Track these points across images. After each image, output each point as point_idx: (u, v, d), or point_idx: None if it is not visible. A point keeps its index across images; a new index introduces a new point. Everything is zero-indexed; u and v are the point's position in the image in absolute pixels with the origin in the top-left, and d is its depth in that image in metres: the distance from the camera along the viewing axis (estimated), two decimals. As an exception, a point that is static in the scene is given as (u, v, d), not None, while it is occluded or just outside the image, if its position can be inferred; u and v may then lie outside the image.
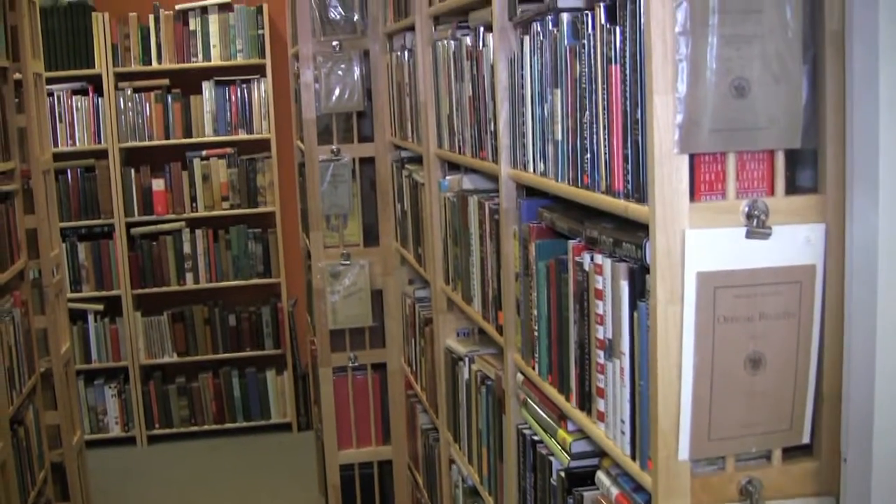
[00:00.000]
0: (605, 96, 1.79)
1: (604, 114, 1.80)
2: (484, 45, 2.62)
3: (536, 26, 2.17)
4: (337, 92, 4.18)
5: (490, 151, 2.63)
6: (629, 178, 1.72)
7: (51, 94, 5.76)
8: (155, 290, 6.09)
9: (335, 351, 4.41)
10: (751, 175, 1.67)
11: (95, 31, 5.78)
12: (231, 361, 6.28)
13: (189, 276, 6.09)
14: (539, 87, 2.17)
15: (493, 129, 2.56)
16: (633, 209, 1.70)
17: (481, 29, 2.65)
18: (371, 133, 4.30)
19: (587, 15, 1.87)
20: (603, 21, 1.79)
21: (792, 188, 1.70)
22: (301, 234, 5.49)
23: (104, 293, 6.03)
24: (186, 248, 6.06)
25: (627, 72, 1.69)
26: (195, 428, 6.24)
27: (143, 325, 6.09)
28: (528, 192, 2.42)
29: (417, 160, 3.81)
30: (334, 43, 4.17)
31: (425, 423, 4.01)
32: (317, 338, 4.44)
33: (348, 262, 4.29)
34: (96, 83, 5.87)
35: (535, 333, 2.31)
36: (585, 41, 1.87)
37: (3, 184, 4.22)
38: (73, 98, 5.86)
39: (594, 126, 1.85)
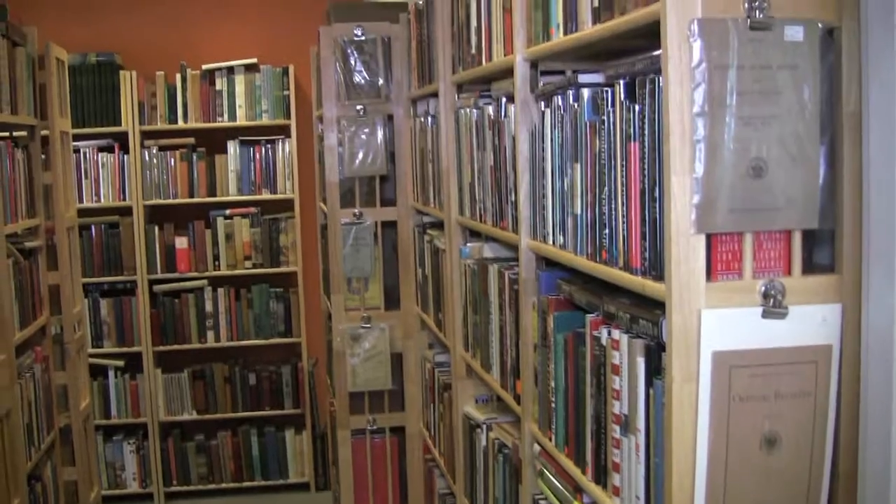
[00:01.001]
0: (624, 173, 1.80)
1: (622, 190, 1.81)
2: (506, 116, 2.65)
3: (558, 100, 2.19)
4: (360, 155, 4.21)
5: (511, 221, 2.64)
6: (647, 255, 1.73)
7: (77, 151, 5.80)
8: (176, 347, 6.10)
9: (354, 413, 4.41)
10: (767, 254, 1.67)
11: (123, 89, 5.84)
12: (250, 420, 6.28)
13: (210, 334, 6.10)
14: (560, 161, 2.19)
15: (513, 199, 2.58)
16: (650, 287, 1.71)
17: (503, 99, 2.68)
18: (393, 197, 4.33)
19: (607, 91, 1.89)
20: (622, 98, 1.81)
21: (809, 268, 1.70)
22: (322, 294, 5.51)
23: (125, 349, 6.04)
24: (208, 306, 6.08)
25: (646, 150, 1.71)
26: (213, 486, 6.22)
27: (163, 382, 6.10)
28: (548, 262, 2.43)
29: (439, 226, 3.83)
30: (358, 107, 4.21)
31: (443, 488, 3.99)
32: (336, 400, 4.44)
33: (369, 325, 4.30)
34: (122, 140, 5.92)
35: (553, 405, 2.31)
36: (605, 117, 1.89)
37: (28, 240, 4.26)
38: (99, 155, 5.91)
39: (613, 202, 1.87)
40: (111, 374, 6.06)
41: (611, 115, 1.87)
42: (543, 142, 2.30)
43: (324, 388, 6.05)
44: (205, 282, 6.09)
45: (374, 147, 4.22)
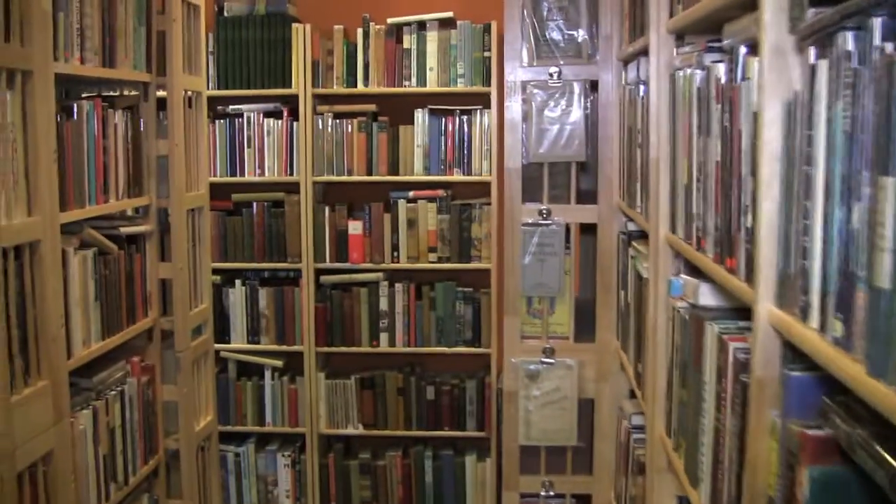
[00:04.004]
0: None
1: None
2: (744, 78, 1.53)
3: (846, 41, 1.07)
4: (552, 134, 3.16)
5: (742, 262, 1.52)
6: None
7: (240, 115, 5.04)
8: (343, 349, 5.23)
9: (526, 472, 3.35)
10: None
11: (294, 45, 4.98)
12: (425, 440, 5.37)
13: (384, 337, 5.20)
14: (849, 164, 1.07)
15: (749, 223, 1.46)
16: None
17: (741, 50, 1.56)
18: (594, 191, 3.24)
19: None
20: None
21: None
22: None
23: (285, 348, 5.22)
24: (383, 304, 5.17)
25: None
26: (378, 512, 5.33)
27: (326, 389, 5.25)
28: (802, 356, 1.29)
29: (645, 238, 2.73)
30: (552, 69, 3.16)
31: None
32: (503, 454, 3.39)
33: (552, 361, 3.26)
34: (292, 105, 5.07)
35: None
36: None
37: (129, 224, 3.39)
38: (265, 121, 5.07)
39: None
40: (268, 374, 5.25)
41: None
42: (813, 123, 1.18)
43: (514, 409, 5.07)
44: (380, 275, 5.18)
45: (570, 123, 3.15)
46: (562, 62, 3.15)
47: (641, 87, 2.66)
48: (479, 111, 5.02)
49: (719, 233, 1.69)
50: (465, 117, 5.05)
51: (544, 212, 3.20)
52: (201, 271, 3.87)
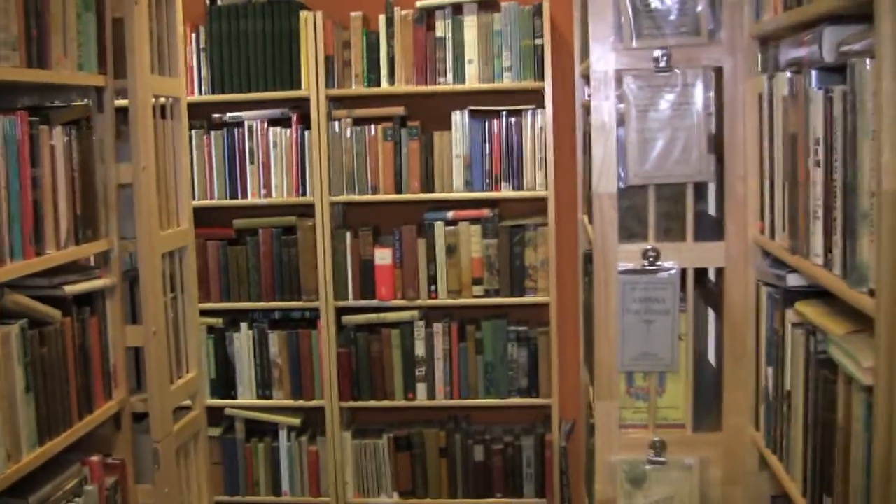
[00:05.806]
0: None
1: None
2: None
3: None
4: (659, 144, 2.27)
5: None
6: None
7: (240, 125, 4.32)
8: (372, 403, 4.53)
9: None
10: None
11: (303, 37, 4.25)
12: (474, 509, 4.66)
13: (421, 388, 4.49)
14: None
15: None
16: None
17: None
18: (720, 223, 2.35)
19: None
20: None
21: None
22: (582, 360, 3.62)
23: (302, 403, 4.52)
24: (419, 349, 4.45)
25: None
26: None
27: (353, 451, 4.55)
28: None
29: (822, 296, 1.82)
30: (657, 52, 2.26)
31: None
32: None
33: (663, 459, 2.36)
34: (303, 110, 4.35)
35: None
36: None
37: (76, 281, 2.51)
38: (270, 131, 4.33)
39: None
40: (283, 435, 4.54)
41: None
42: None
43: (580, 468, 4.34)
44: (415, 313, 4.46)
45: (686, 129, 2.26)
46: (672, 42, 2.25)
47: (813, 76, 1.77)
48: (530, 112, 4.35)
49: None
50: (513, 119, 4.36)
51: (650, 253, 2.29)
52: (186, 330, 3.01)
